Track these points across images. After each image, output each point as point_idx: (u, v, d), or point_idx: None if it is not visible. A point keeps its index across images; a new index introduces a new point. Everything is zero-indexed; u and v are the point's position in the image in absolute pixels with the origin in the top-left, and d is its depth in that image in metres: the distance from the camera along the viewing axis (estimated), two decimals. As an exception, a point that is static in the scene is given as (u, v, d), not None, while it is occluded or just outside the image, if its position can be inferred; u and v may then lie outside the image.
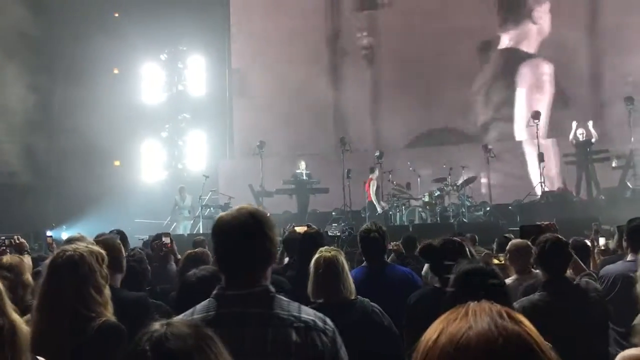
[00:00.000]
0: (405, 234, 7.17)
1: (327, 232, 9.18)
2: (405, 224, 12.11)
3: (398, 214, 12.65)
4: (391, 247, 5.98)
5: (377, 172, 12.79)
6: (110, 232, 4.13)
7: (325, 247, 3.26)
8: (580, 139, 12.65)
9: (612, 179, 12.72)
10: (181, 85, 15.92)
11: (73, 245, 2.48)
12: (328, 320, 1.91)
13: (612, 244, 5.74)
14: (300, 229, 4.78)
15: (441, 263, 3.03)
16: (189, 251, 3.95)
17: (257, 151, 13.69)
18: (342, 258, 3.11)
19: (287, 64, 15.67)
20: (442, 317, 0.96)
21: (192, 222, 13.45)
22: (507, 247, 4.58)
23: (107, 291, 2.43)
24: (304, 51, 15.76)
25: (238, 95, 16.51)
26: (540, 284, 3.29)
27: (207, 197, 13.64)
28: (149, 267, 3.84)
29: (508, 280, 4.43)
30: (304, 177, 13.39)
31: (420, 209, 12.62)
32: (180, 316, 1.83)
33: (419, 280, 3.94)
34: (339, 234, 8.96)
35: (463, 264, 2.11)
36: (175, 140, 15.86)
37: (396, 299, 3.41)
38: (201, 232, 12.40)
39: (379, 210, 12.57)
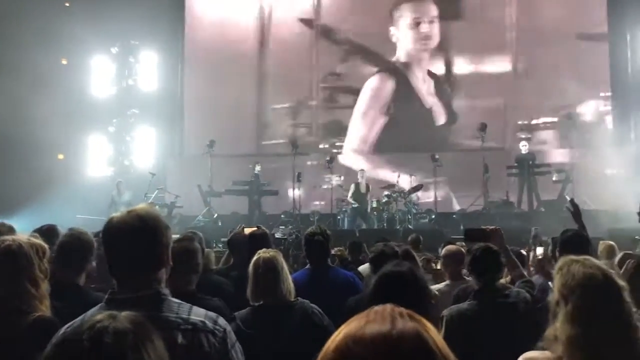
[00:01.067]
0: (350, 239, 7.24)
1: (274, 234, 9.17)
2: (352, 228, 12.26)
3: (346, 218, 12.78)
4: (334, 252, 6.02)
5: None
6: (42, 227, 3.98)
7: (264, 248, 3.27)
8: (523, 152, 13.13)
9: (552, 192, 13.20)
10: (132, 79, 15.59)
11: (13, 236, 2.42)
12: (220, 320, 1.91)
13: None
14: (249, 230, 4.78)
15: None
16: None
17: (207, 150, 13.55)
18: (281, 259, 3.12)
19: (234, 66, 15.72)
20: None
21: None
22: (442, 253, 4.71)
23: (45, 285, 2.37)
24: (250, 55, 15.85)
25: (189, 93, 16.31)
26: (471, 292, 3.37)
27: (153, 195, 13.41)
28: None
29: (440, 285, 4.56)
30: (259, 179, 13.40)
31: (367, 214, 12.79)
32: (70, 324, 1.80)
33: (361, 285, 3.99)
34: (285, 236, 8.96)
35: (386, 267, 2.11)
36: (122, 136, 15.52)
37: (338, 302, 3.45)
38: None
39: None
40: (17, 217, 11.23)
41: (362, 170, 13.29)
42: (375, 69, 15.64)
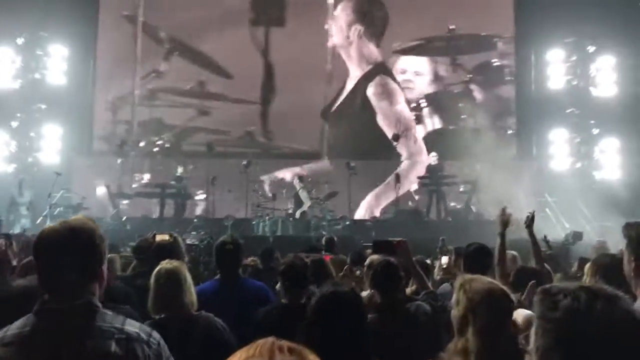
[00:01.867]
0: (264, 246, 7.21)
1: (185, 239, 8.95)
2: (267, 234, 12.23)
3: (261, 224, 12.71)
4: (247, 262, 5.96)
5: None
6: None
7: (167, 259, 3.19)
8: (433, 163, 13.66)
9: (458, 202, 13.79)
10: (39, 73, 14.75)
11: None
12: (154, 333, 1.91)
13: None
14: (161, 237, 4.63)
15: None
16: (26, 260, 3.66)
17: (117, 150, 13.08)
18: (185, 270, 3.07)
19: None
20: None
21: (32, 220, 12.40)
22: (367, 262, 4.80)
23: None
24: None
25: (101, 91, 15.70)
26: (374, 306, 3.45)
27: (58, 196, 12.78)
28: None
29: (364, 294, 4.65)
30: (183, 182, 13.08)
31: (283, 221, 12.80)
32: None
33: (272, 296, 3.97)
34: (197, 242, 8.78)
35: (324, 288, 2.08)
36: (27, 131, 14.65)
37: (248, 314, 3.43)
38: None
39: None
40: None
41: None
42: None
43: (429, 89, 16.00)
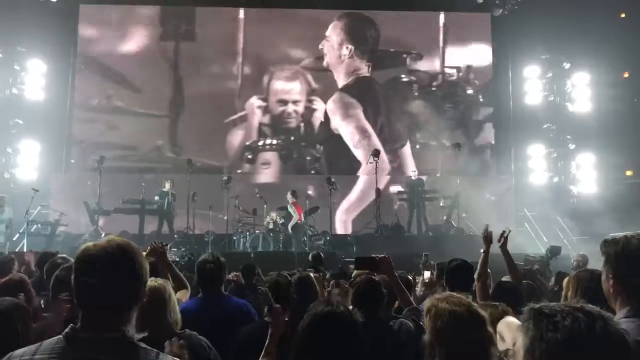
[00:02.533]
0: (245, 261, 7.17)
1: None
2: (248, 250, 12.17)
3: (242, 239, 12.65)
4: (230, 278, 5.93)
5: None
6: None
7: (152, 278, 3.16)
8: (413, 178, 13.75)
9: (439, 217, 13.87)
10: (16, 88, 14.59)
11: None
12: None
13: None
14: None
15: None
16: (4, 279, 3.59)
17: (96, 166, 12.95)
18: (169, 288, 3.04)
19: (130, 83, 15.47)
20: None
21: (10, 237, 12.17)
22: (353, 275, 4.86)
23: None
24: (147, 75, 15.65)
25: (79, 106, 15.59)
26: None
27: (36, 212, 12.59)
28: None
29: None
30: (170, 197, 12.96)
31: (263, 236, 12.76)
32: (23, 350, 1.68)
33: (255, 313, 3.95)
34: (177, 259, 8.70)
35: (318, 307, 2.00)
36: (3, 147, 14.44)
37: (230, 332, 3.41)
38: (24, 249, 11.36)
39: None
40: None
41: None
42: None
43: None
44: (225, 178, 13.19)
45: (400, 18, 16.20)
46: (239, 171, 15.50)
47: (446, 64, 16.21)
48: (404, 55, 16.18)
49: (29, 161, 14.62)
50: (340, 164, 15.60)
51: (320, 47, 16.13)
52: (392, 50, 16.19)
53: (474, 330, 2.07)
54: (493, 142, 16.16)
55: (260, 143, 15.94)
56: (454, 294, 2.27)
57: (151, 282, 3.01)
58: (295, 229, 12.70)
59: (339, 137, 15.84)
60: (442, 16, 16.25)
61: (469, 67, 16.18)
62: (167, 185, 13.11)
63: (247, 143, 15.86)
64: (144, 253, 3.91)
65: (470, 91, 16.22)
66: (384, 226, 13.18)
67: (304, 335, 1.84)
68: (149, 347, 1.73)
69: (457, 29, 16.15)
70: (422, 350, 3.47)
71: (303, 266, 7.36)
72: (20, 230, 12.16)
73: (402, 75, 16.21)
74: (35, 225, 12.42)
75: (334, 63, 16.13)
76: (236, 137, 15.81)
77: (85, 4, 15.82)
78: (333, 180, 12.86)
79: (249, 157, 15.85)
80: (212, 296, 3.82)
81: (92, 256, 1.70)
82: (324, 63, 16.12)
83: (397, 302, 4.38)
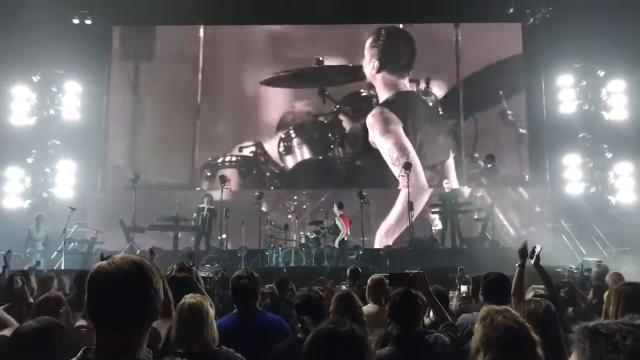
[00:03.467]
0: (278, 276, 7.18)
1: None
2: (281, 265, 12.18)
3: (274, 255, 12.67)
4: (265, 290, 5.94)
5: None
6: None
7: (191, 294, 3.18)
8: (446, 190, 13.58)
9: (473, 230, 13.68)
10: (53, 109, 14.99)
11: None
12: None
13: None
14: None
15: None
16: (42, 297, 3.67)
17: (131, 184, 13.18)
18: (207, 305, 3.05)
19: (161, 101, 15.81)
20: None
21: (47, 255, 12.44)
22: (368, 282, 5.13)
23: None
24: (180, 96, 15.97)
25: (113, 125, 15.96)
26: (392, 338, 3.40)
27: (73, 230, 12.85)
28: None
29: (370, 308, 4.69)
30: (206, 213, 13.11)
31: (295, 251, 12.76)
32: None
33: (289, 329, 3.93)
34: (211, 275, 8.76)
35: (323, 325, 1.99)
36: (42, 167, 14.82)
37: (266, 348, 3.40)
38: (62, 267, 11.60)
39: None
40: None
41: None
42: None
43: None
44: (256, 194, 13.27)
45: (430, 30, 16.19)
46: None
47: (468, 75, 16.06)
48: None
49: (66, 180, 14.97)
50: (373, 178, 15.46)
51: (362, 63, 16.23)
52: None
53: (525, 351, 2.17)
54: (527, 152, 15.90)
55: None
56: (510, 309, 2.35)
57: (190, 298, 3.04)
58: (342, 244, 12.47)
59: (370, 151, 15.76)
60: (470, 27, 16.15)
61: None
62: (205, 201, 13.26)
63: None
64: (173, 270, 3.96)
65: (503, 103, 16.04)
66: (418, 240, 13.05)
67: (306, 353, 1.80)
68: None
69: (487, 40, 16.01)
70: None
71: (329, 280, 7.33)
72: (58, 249, 12.43)
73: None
74: (73, 243, 12.68)
75: (370, 78, 16.16)
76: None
77: (118, 25, 16.23)
78: (364, 194, 12.80)
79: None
80: (247, 312, 3.82)
81: (104, 274, 1.65)
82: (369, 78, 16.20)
83: (427, 319, 4.34)
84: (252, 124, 16.06)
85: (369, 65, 16.13)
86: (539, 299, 3.21)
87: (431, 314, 4.25)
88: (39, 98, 14.83)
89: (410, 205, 12.95)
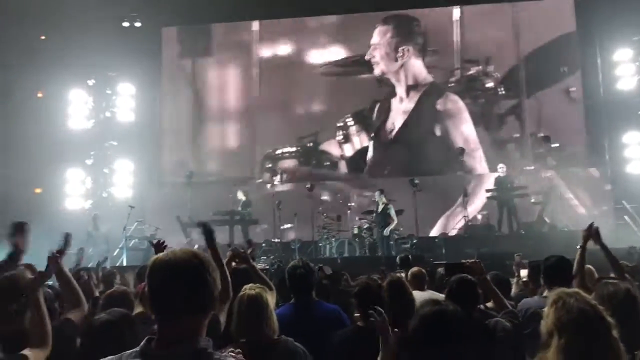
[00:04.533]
0: (332, 267, 7.20)
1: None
2: (335, 256, 12.21)
3: (327, 246, 12.72)
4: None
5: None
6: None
7: (251, 284, 3.23)
8: (501, 175, 13.24)
9: (531, 214, 13.32)
10: (109, 111, 15.50)
11: None
12: None
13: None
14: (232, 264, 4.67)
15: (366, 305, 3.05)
16: (109, 291, 3.81)
17: (186, 181, 13.48)
18: (266, 295, 3.09)
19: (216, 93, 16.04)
20: None
21: (109, 252, 12.85)
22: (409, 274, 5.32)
23: None
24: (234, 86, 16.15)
25: (168, 124, 16.35)
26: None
27: (133, 228, 13.26)
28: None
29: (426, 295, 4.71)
30: (239, 208, 13.30)
31: (349, 242, 12.76)
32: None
33: (346, 318, 3.95)
34: (267, 267, 8.88)
35: (425, 309, 2.00)
36: (100, 168, 15.36)
37: (323, 337, 3.42)
38: (124, 264, 12.00)
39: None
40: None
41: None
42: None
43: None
44: (308, 186, 13.32)
45: (486, 11, 15.83)
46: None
47: (527, 54, 15.60)
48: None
49: (124, 180, 15.45)
50: (432, 164, 15.22)
51: (367, 57, 15.97)
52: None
53: (600, 334, 2.14)
54: (585, 132, 15.33)
55: (279, 151, 16.03)
56: (580, 291, 2.32)
57: (249, 290, 3.09)
58: (392, 233, 12.23)
59: (423, 138, 15.57)
60: (526, 5, 15.69)
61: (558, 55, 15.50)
62: (241, 194, 13.41)
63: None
64: (225, 260, 4.05)
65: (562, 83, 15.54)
66: (473, 226, 12.81)
67: (418, 335, 1.88)
68: (223, 358, 1.72)
69: (542, 17, 15.47)
70: (520, 347, 3.37)
71: (381, 269, 7.29)
72: (120, 246, 12.86)
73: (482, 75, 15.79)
74: (133, 241, 13.09)
75: (390, 69, 15.94)
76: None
77: (167, 26, 16.58)
78: (417, 181, 12.65)
79: (269, 166, 15.95)
80: (304, 302, 3.85)
81: (163, 264, 1.71)
82: (377, 71, 15.97)
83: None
84: (309, 114, 16.08)
85: (392, 56, 15.87)
86: (615, 281, 3.10)
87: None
88: (95, 101, 15.34)
89: (464, 192, 12.74)
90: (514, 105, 15.52)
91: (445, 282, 4.26)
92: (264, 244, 12.94)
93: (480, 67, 15.70)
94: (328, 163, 15.95)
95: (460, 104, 15.56)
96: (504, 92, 15.62)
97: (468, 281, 3.42)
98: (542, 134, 14.77)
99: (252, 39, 16.45)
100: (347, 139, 15.97)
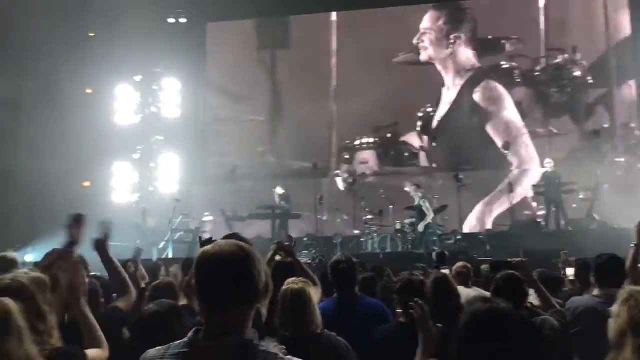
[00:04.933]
0: (374, 263, 7.17)
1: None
2: (377, 251, 12.16)
3: (370, 241, 12.67)
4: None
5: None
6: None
7: (294, 278, 3.23)
8: (549, 170, 12.89)
9: (579, 211, 12.95)
10: (155, 107, 15.79)
11: (12, 274, 2.42)
12: None
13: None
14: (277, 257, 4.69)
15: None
16: (155, 282, 3.88)
17: (230, 175, 13.65)
18: (310, 290, 3.09)
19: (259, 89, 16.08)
20: None
21: (156, 244, 13.14)
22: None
23: (52, 318, 2.35)
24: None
25: (213, 119, 16.55)
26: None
27: (178, 221, 13.49)
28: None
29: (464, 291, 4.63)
30: (278, 202, 13.39)
31: (391, 237, 12.68)
32: (156, 350, 1.77)
33: (389, 313, 3.91)
34: (309, 261, 8.91)
35: (475, 306, 1.98)
36: (147, 162, 15.68)
37: (366, 332, 3.41)
38: (170, 256, 12.23)
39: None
40: (44, 246, 11.37)
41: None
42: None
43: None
44: (350, 181, 13.30)
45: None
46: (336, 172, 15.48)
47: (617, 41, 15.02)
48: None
49: (170, 174, 15.75)
50: (469, 157, 14.90)
51: (415, 41, 15.68)
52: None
53: None
54: (636, 124, 14.74)
55: (357, 142, 15.84)
56: None
57: (292, 284, 3.09)
58: (428, 228, 12.06)
59: (463, 129, 15.27)
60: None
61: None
62: (279, 190, 13.45)
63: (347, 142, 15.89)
64: (270, 253, 4.07)
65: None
66: (519, 222, 12.54)
67: (469, 332, 1.86)
68: (268, 350, 1.72)
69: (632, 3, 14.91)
70: (568, 346, 3.28)
71: (419, 266, 7.18)
72: (166, 239, 13.12)
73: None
74: (179, 234, 13.33)
75: (439, 55, 15.65)
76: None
77: (212, 22, 16.75)
78: (461, 176, 12.47)
79: (346, 157, 15.84)
80: (347, 296, 3.85)
81: (210, 256, 1.73)
82: (424, 57, 15.69)
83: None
84: (388, 104, 15.36)
85: (444, 43, 15.60)
86: None
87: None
88: (142, 97, 15.66)
89: (510, 187, 12.50)
90: (603, 94, 14.99)
91: (490, 279, 4.18)
92: (305, 239, 12.98)
93: (567, 55, 15.18)
94: (407, 154, 15.76)
95: (501, 90, 15.20)
96: (592, 81, 15.08)
97: (515, 278, 3.34)
98: (633, 124, 14.21)
99: (330, 30, 16.26)
100: (426, 129, 15.67)
